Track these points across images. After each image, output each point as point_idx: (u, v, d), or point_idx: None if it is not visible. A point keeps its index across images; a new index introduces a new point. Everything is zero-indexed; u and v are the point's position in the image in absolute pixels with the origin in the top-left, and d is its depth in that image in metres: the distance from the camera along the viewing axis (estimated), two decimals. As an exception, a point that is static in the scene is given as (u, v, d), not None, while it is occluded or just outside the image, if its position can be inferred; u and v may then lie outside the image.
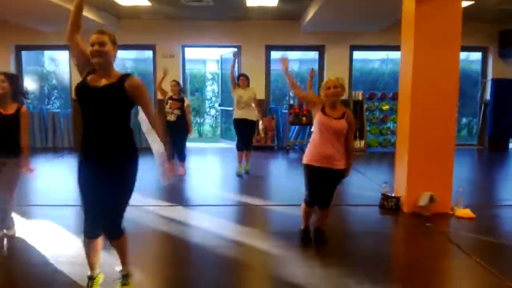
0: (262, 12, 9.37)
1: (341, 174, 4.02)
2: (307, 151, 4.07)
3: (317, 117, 3.95)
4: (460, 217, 5.09)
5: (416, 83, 5.19)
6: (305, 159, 4.04)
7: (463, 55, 13.00)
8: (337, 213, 5.25)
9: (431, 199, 5.11)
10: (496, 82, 10.60)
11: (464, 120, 13.46)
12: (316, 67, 10.76)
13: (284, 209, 5.47)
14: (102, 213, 2.90)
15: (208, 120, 14.09)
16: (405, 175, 5.32)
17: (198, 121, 13.75)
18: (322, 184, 4.01)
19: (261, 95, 10.64)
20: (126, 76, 2.87)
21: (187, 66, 11.41)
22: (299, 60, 15.94)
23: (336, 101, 3.93)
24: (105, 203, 2.88)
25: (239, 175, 7.39)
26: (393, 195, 5.51)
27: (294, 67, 15.09)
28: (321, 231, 4.26)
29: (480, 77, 11.23)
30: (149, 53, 11.40)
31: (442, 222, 4.95)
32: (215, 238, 4.39)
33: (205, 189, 6.65)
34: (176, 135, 7.19)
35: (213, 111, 13.94)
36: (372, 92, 10.66)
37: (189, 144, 11.30)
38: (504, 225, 5.06)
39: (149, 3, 8.62)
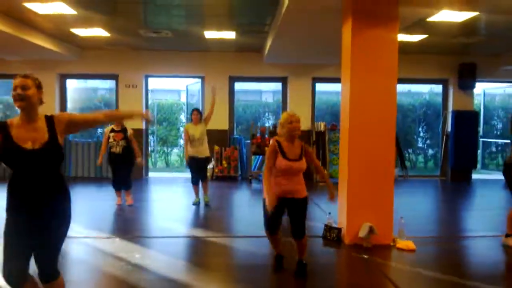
0: (225, 44, 9.45)
1: (304, 202, 4.01)
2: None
3: (278, 161, 3.90)
4: (400, 249, 5.01)
5: (353, 114, 5.19)
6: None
7: (427, 87, 13.32)
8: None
9: (371, 230, 5.03)
10: (457, 114, 10.74)
11: (431, 152, 13.57)
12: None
13: (232, 241, 5.36)
14: (40, 258, 2.73)
15: (176, 150, 13.97)
16: (346, 206, 5.25)
17: (166, 150, 13.63)
18: (281, 213, 4.00)
19: (224, 126, 10.65)
20: (51, 116, 2.75)
21: (159, 96, 11.41)
22: (273, 91, 16.04)
23: (295, 137, 3.94)
24: (44, 248, 2.72)
25: (195, 204, 7.32)
26: (336, 226, 5.43)
27: (268, 98, 15.20)
28: (301, 264, 4.14)
29: (441, 109, 11.39)
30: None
31: (381, 254, 4.85)
32: (146, 273, 4.24)
33: (152, 220, 6.53)
34: (121, 166, 7.09)
35: (181, 141, 13.85)
36: (334, 123, 10.71)
37: (155, 174, 11.30)
38: (443, 258, 4.97)
39: (108, 34, 8.63)
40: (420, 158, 13.73)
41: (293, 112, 4.00)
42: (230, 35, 8.44)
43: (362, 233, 5.04)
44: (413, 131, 13.41)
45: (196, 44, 9.64)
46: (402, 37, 8.67)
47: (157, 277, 4.11)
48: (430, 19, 7.18)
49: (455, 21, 7.31)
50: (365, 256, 4.72)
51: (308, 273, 4.15)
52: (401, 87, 13.62)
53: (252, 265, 4.53)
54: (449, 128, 10.95)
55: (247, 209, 7.62)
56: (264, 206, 3.96)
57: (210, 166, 10.45)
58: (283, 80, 10.96)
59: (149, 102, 11.39)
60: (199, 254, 5.04)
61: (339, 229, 5.33)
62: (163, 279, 4.05)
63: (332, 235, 5.35)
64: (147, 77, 10.79)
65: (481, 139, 12.63)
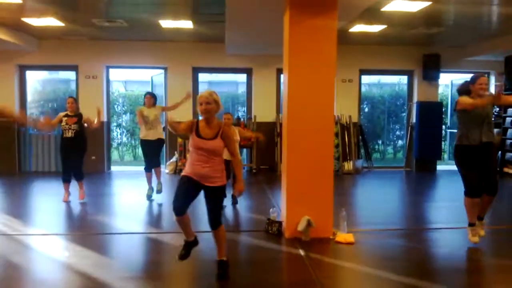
0: (184, 34, 9.28)
1: (219, 191, 3.85)
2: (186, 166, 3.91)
3: (191, 138, 3.79)
4: (338, 242, 4.96)
5: (291, 106, 5.10)
6: (183, 172, 3.88)
7: (396, 78, 13.28)
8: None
9: (309, 224, 4.97)
10: (421, 105, 10.73)
11: (400, 143, 13.58)
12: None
13: (159, 236, 5.25)
14: None
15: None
16: (285, 200, 5.18)
17: (133, 143, 13.44)
18: (193, 193, 3.84)
19: (188, 117, 10.46)
20: None
21: (129, 87, 11.20)
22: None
23: (210, 118, 3.77)
24: None
25: (149, 197, 7.19)
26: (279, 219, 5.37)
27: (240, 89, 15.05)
28: (222, 263, 3.93)
29: (406, 100, 11.38)
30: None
31: (316, 247, 4.78)
32: (69, 271, 4.13)
33: (97, 216, 6.36)
34: (72, 153, 6.90)
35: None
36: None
37: (120, 168, 11.13)
38: (380, 251, 4.88)
39: (62, 24, 8.41)
40: (390, 149, 13.75)
41: (207, 93, 3.77)
42: (187, 24, 8.27)
43: (300, 226, 4.98)
44: (382, 122, 13.41)
45: (156, 34, 9.44)
46: (363, 28, 8.61)
47: (80, 276, 3.98)
48: (385, 9, 7.11)
49: (410, 11, 7.24)
50: (300, 251, 4.65)
51: (236, 267, 4.08)
52: (371, 78, 13.62)
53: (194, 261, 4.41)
54: (413, 119, 10.94)
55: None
56: (178, 185, 3.84)
57: (173, 159, 10.35)
58: (248, 72, 10.83)
59: (113, 93, 11.15)
60: (131, 251, 4.89)
61: (280, 223, 5.26)
62: (85, 278, 3.93)
63: (273, 229, 5.27)
64: (108, 67, 10.59)
65: (448, 130, 12.67)
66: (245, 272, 4.21)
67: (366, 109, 13.44)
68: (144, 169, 7.30)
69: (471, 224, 4.95)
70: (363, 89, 13.20)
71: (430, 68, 10.53)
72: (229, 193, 6.79)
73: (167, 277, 4.12)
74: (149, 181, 7.29)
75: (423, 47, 10.61)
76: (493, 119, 5.01)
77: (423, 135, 10.63)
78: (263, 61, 10.53)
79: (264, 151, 10.47)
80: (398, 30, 8.91)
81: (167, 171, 10.23)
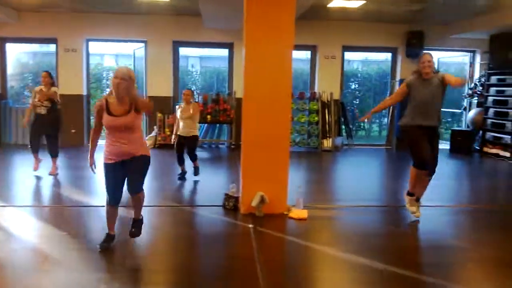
0: (161, 6, 9.15)
1: (141, 159, 3.84)
2: (104, 150, 3.90)
3: (104, 118, 3.76)
4: (291, 218, 5.01)
5: (248, 82, 5.07)
6: (103, 160, 3.88)
7: (384, 55, 13.12)
8: (177, 214, 5.23)
9: (262, 200, 5.01)
10: (401, 82, 10.61)
11: (385, 121, 13.52)
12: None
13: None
14: None
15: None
16: (241, 175, 5.21)
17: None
18: (122, 177, 3.83)
19: (167, 93, 10.47)
20: None
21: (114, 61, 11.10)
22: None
23: (122, 94, 3.70)
24: None
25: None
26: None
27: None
28: (136, 221, 4.01)
29: (389, 78, 11.29)
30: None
31: (268, 223, 4.83)
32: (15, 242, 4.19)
33: (61, 189, 6.42)
34: (46, 129, 6.90)
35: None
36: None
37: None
38: (328, 226, 4.95)
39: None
40: (375, 127, 13.72)
41: (126, 69, 3.73)
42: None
43: (254, 202, 5.01)
44: (368, 100, 13.34)
45: (133, 7, 9.31)
46: (342, 3, 8.46)
47: (22, 246, 4.05)
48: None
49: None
50: (250, 226, 4.70)
51: (182, 241, 4.14)
52: (358, 55, 13.49)
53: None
54: (396, 97, 10.85)
55: (169, 179, 7.47)
56: (105, 174, 3.86)
57: (153, 133, 10.37)
58: (230, 46, 10.72)
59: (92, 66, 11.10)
60: (85, 224, 4.95)
61: (236, 198, 5.30)
62: (29, 249, 3.99)
63: (230, 204, 5.32)
64: (88, 41, 10.49)
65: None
66: (189, 245, 4.27)
67: (353, 86, 13.35)
68: None
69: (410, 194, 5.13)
70: (350, 66, 13.13)
71: (414, 46, 10.39)
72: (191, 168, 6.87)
73: (114, 249, 4.16)
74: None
75: (407, 24, 10.46)
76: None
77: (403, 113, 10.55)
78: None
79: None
80: (378, 6, 8.76)
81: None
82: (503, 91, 9.77)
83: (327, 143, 10.42)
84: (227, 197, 5.39)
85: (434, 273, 3.62)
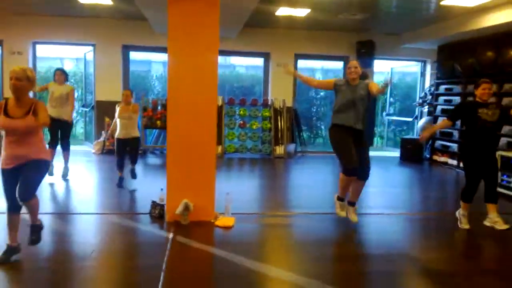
0: (112, 10, 8.98)
1: (37, 163, 3.65)
2: (1, 154, 3.73)
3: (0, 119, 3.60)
4: (217, 226, 4.91)
5: (171, 89, 4.96)
6: (0, 165, 3.70)
7: (339, 64, 13.20)
8: (99, 222, 5.07)
9: (186, 207, 4.89)
10: (355, 91, 10.71)
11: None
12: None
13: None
14: None
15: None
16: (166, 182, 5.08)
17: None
18: (14, 183, 3.63)
19: (117, 97, 10.22)
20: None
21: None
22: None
23: (20, 96, 3.57)
24: None
25: (50, 174, 6.98)
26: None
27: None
28: (34, 227, 3.83)
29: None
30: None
31: (191, 231, 4.71)
32: None
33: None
34: None
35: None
36: (232, 98, 10.50)
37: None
38: (250, 235, 4.83)
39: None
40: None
41: (20, 68, 3.56)
42: (107, 0, 7.99)
43: (178, 210, 4.89)
44: (323, 108, 13.41)
45: (78, 10, 9.09)
46: (287, 11, 8.47)
47: None
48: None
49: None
50: (170, 235, 4.56)
51: (96, 250, 3.99)
52: (315, 64, 13.56)
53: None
54: (348, 105, 10.93)
55: (108, 186, 7.27)
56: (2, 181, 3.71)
57: (101, 138, 10.12)
58: (181, 52, 10.59)
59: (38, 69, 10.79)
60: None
61: (162, 206, 5.16)
62: None
63: (156, 211, 5.18)
64: (34, 43, 10.21)
65: (386, 117, 12.76)
66: (97, 256, 4.09)
67: (310, 94, 13.40)
68: (48, 144, 6.92)
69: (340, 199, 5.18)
70: (307, 73, 13.15)
71: (364, 55, 10.50)
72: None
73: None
74: (51, 157, 6.95)
75: (359, 33, 10.58)
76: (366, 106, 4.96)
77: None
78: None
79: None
80: (324, 15, 8.81)
81: (93, 150, 10.02)
82: (450, 100, 9.94)
83: (280, 150, 10.38)
84: (154, 204, 5.25)
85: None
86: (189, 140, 5.00)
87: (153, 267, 3.72)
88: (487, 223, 5.14)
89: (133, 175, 6.73)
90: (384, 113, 12.85)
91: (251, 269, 3.80)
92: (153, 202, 5.29)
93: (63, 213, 5.41)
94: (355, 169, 4.80)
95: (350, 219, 5.14)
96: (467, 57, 9.03)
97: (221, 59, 13.70)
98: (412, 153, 10.44)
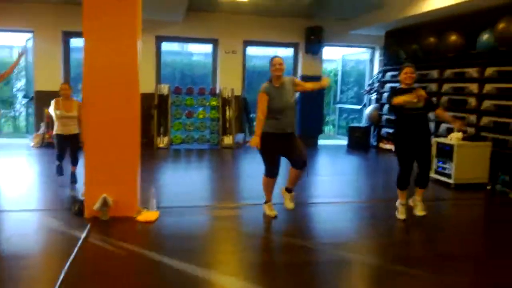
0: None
1: None
2: None
3: None
4: (138, 221, 4.71)
5: (88, 76, 4.70)
6: None
7: (290, 51, 13.08)
8: (11, 219, 4.80)
9: (105, 203, 4.67)
10: (304, 79, 10.60)
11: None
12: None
13: None
14: None
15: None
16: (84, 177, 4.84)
17: (14, 114, 12.58)
18: None
19: (56, 87, 9.77)
20: None
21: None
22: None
23: None
24: None
25: None
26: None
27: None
28: None
29: (291, 74, 11.26)
30: None
31: (108, 227, 4.51)
32: None
33: None
34: None
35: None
36: (178, 86, 10.24)
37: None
38: (171, 229, 4.65)
39: None
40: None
41: None
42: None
43: (96, 205, 4.67)
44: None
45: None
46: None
47: None
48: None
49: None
50: (83, 233, 4.30)
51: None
52: (267, 51, 13.36)
53: None
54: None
55: (45, 179, 6.91)
56: None
57: (40, 131, 9.70)
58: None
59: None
60: None
61: (82, 201, 4.92)
62: None
63: (75, 207, 4.93)
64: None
65: (337, 105, 12.76)
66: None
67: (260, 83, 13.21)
68: None
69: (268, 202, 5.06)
70: (256, 61, 12.97)
71: (313, 42, 10.40)
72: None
73: None
74: None
75: (308, 19, 10.44)
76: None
77: (305, 111, 10.57)
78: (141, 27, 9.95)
79: (141, 124, 10.02)
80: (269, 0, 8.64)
81: (32, 144, 9.60)
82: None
83: (228, 140, 10.21)
84: (73, 200, 5.02)
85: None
86: (107, 132, 4.74)
87: (54, 266, 3.51)
88: (410, 202, 5.18)
89: (73, 179, 6.22)
90: (335, 102, 12.85)
91: (161, 264, 3.66)
92: (73, 197, 5.07)
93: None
94: (276, 173, 4.87)
95: (286, 207, 5.06)
96: (411, 43, 9.05)
97: (177, 46, 13.44)
98: (360, 140, 10.46)
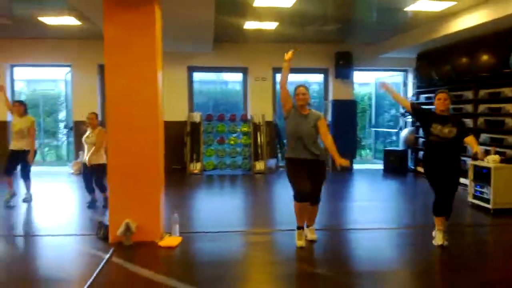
0: (89, 31, 8.95)
1: None
2: None
3: None
4: (160, 247, 4.74)
5: (110, 106, 4.86)
6: None
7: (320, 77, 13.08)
8: (38, 244, 5.00)
9: (128, 228, 4.74)
10: (335, 103, 10.57)
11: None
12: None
13: None
14: None
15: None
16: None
17: (57, 143, 13.19)
18: None
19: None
20: None
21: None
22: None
23: None
24: None
25: (7, 203, 6.62)
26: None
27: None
28: None
29: (322, 99, 11.22)
30: None
31: (130, 252, 4.56)
32: None
33: None
34: None
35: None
36: (210, 114, 10.41)
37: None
38: (192, 255, 4.68)
39: None
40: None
41: None
42: (71, 20, 8.00)
43: (119, 231, 4.74)
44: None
45: (57, 32, 9.12)
46: (255, 25, 8.38)
47: None
48: (258, 4, 6.79)
49: (283, 7, 6.96)
50: (106, 256, 4.38)
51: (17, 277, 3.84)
52: (297, 77, 13.41)
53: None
54: (329, 118, 10.76)
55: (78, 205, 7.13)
56: None
57: (79, 159, 10.03)
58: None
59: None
60: None
61: (107, 227, 5.02)
62: None
63: (101, 232, 5.03)
64: (12, 66, 10.27)
65: (373, 129, 12.55)
66: (19, 280, 3.93)
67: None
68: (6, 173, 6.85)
69: (299, 228, 4.84)
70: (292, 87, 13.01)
71: (342, 66, 10.36)
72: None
73: None
74: (10, 184, 6.83)
75: (337, 44, 10.44)
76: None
77: (338, 135, 10.42)
78: (173, 58, 10.24)
79: (174, 151, 10.24)
80: (292, 28, 8.71)
81: (71, 171, 9.95)
82: (430, 109, 9.70)
83: (259, 165, 10.20)
84: (100, 225, 5.11)
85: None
86: (130, 158, 4.85)
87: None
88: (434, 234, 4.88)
89: (106, 203, 6.27)
90: (370, 125, 12.65)
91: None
92: (100, 222, 5.16)
93: (13, 235, 5.29)
94: (305, 195, 4.65)
95: (310, 239, 4.94)
96: (444, 65, 8.82)
97: (212, 75, 13.74)
98: (396, 164, 10.19)
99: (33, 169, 7.13)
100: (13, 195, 6.81)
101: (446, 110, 4.74)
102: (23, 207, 6.71)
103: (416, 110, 5.18)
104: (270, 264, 4.48)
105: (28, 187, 6.93)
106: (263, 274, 4.25)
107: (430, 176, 4.81)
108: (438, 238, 4.81)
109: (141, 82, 4.85)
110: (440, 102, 4.72)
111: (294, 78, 13.43)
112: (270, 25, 8.31)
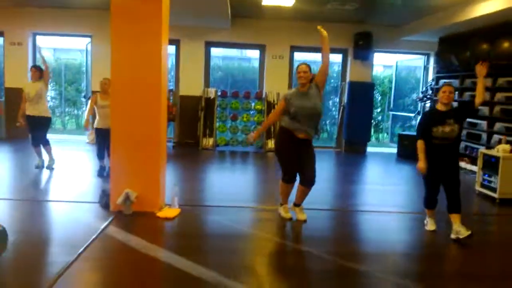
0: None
1: None
2: None
3: None
4: (157, 217, 4.88)
5: (115, 77, 4.97)
6: None
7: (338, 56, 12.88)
8: (41, 209, 5.18)
9: (127, 197, 4.88)
10: (352, 85, 10.44)
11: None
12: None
13: None
14: None
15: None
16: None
17: (77, 113, 13.48)
18: None
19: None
20: None
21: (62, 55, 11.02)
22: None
23: None
24: None
25: (37, 167, 7.11)
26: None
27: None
28: None
29: (340, 80, 11.09)
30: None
31: (128, 222, 4.71)
32: None
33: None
34: None
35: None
36: (224, 90, 10.44)
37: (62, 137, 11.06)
38: (185, 227, 4.77)
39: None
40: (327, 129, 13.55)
41: None
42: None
43: (119, 200, 4.90)
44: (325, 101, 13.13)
45: (82, 2, 9.26)
46: (273, 1, 8.30)
47: None
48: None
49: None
50: (102, 225, 4.53)
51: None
52: (310, 55, 13.24)
53: None
54: (345, 99, 10.65)
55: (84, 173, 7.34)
56: None
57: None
58: (176, 43, 10.61)
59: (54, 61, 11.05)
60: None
61: (109, 195, 5.17)
62: None
63: (103, 201, 5.20)
64: (34, 34, 10.48)
65: (391, 113, 12.37)
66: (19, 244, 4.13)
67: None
68: (31, 143, 7.24)
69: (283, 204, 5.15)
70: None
71: (361, 47, 10.18)
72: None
73: None
74: (38, 154, 7.20)
75: (357, 25, 10.25)
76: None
77: (352, 117, 10.37)
78: (191, 33, 10.31)
79: (188, 126, 10.38)
80: (311, 5, 8.60)
81: (87, 140, 10.21)
82: (449, 95, 9.50)
83: (272, 143, 10.24)
84: (103, 194, 5.28)
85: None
86: (133, 130, 4.97)
87: (66, 255, 3.73)
88: (453, 236, 4.63)
89: (106, 172, 6.59)
90: (389, 109, 12.47)
91: (161, 260, 3.77)
92: (103, 191, 5.32)
93: (23, 200, 5.51)
94: (295, 176, 4.92)
95: (299, 219, 5.01)
96: (464, 50, 8.59)
97: (236, 51, 13.72)
98: (410, 149, 10.05)
99: (54, 136, 7.38)
100: (42, 163, 7.21)
101: (449, 103, 4.67)
102: (45, 173, 6.97)
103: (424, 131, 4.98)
104: (268, 240, 4.54)
105: (49, 152, 7.20)
106: (260, 249, 4.32)
107: (428, 176, 4.76)
108: (430, 224, 4.94)
109: (145, 54, 4.91)
110: (444, 95, 4.64)
111: (314, 57, 13.34)
112: (289, 1, 8.20)
